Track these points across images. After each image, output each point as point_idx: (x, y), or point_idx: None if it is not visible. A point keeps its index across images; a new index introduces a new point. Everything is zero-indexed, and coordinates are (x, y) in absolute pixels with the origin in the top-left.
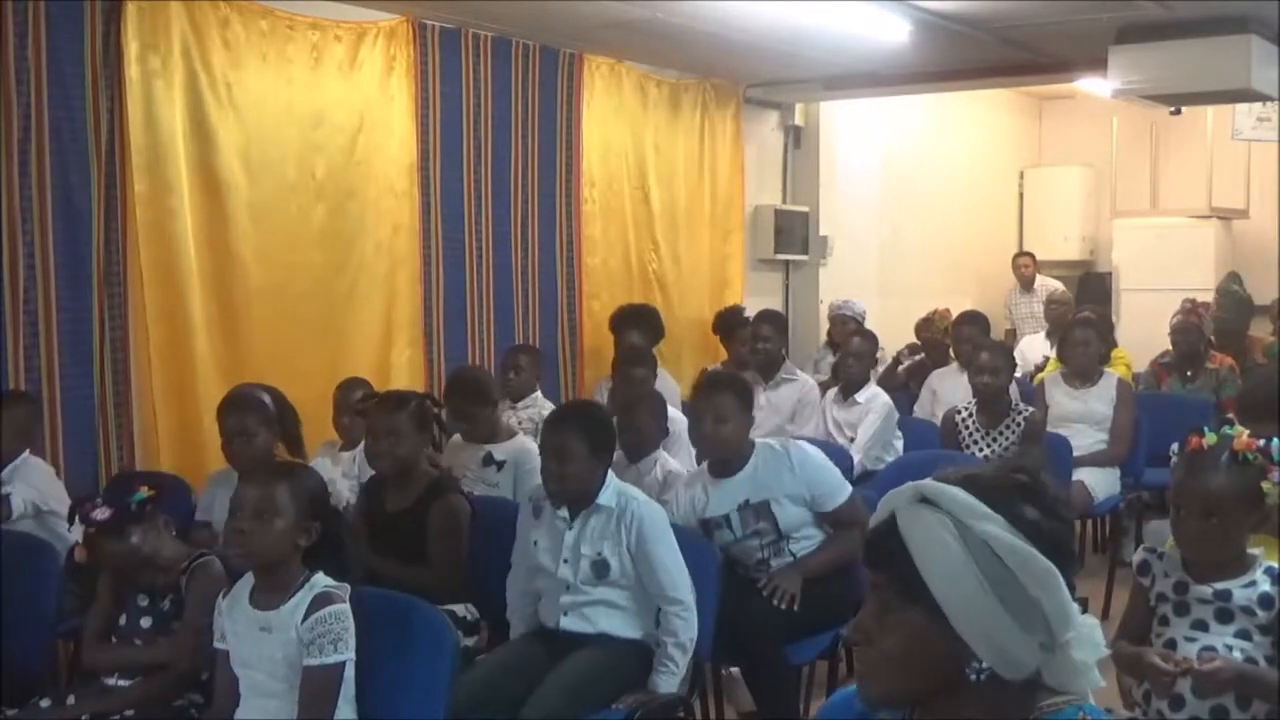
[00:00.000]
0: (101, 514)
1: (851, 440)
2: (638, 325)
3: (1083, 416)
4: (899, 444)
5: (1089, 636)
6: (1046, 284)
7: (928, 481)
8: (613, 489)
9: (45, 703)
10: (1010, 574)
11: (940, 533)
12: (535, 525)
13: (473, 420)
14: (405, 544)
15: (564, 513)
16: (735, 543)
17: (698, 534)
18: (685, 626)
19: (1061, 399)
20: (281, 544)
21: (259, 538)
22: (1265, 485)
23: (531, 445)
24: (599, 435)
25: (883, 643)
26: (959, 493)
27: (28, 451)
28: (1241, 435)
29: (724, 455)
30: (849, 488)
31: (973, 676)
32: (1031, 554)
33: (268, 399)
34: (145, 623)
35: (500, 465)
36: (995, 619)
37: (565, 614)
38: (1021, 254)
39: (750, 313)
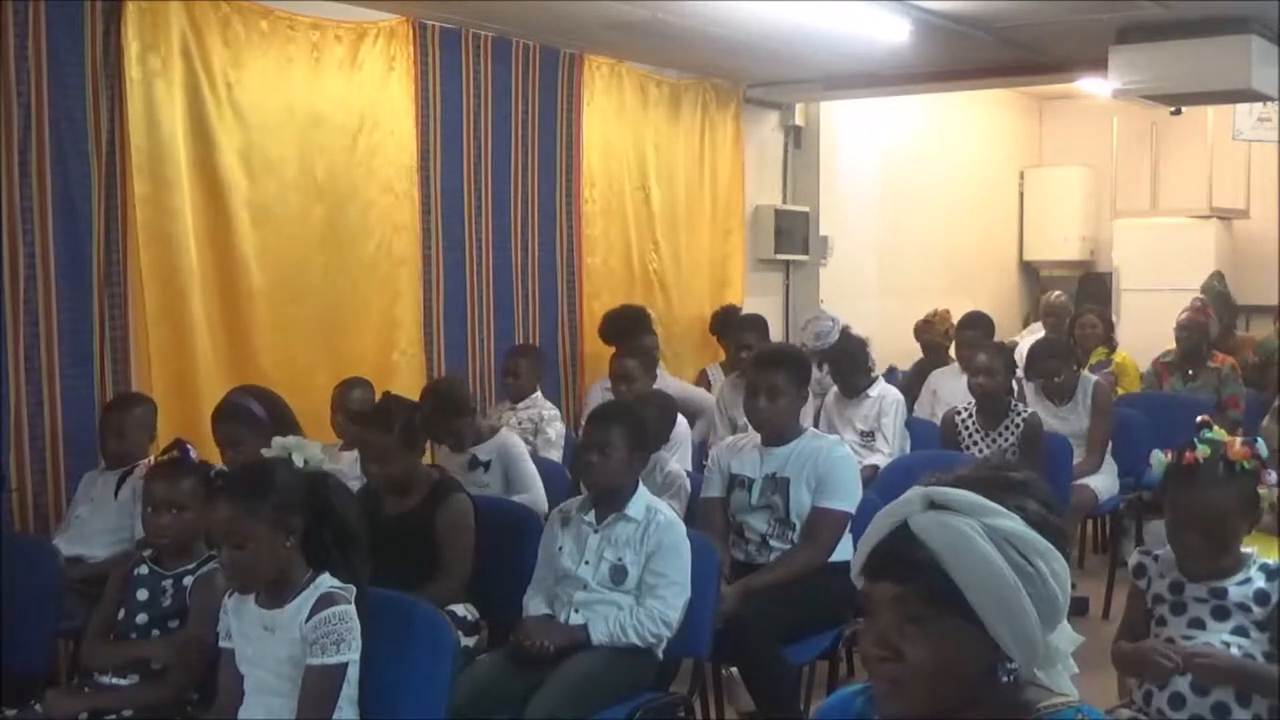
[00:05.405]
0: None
1: (863, 433)
2: (627, 342)
3: (1068, 435)
4: (907, 444)
5: (1063, 626)
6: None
7: (933, 488)
8: (643, 502)
9: (38, 708)
10: (1035, 570)
11: (970, 536)
12: (562, 533)
13: (456, 432)
14: (411, 548)
15: (590, 517)
16: (748, 509)
17: (701, 538)
18: (651, 628)
19: (1046, 418)
20: (267, 558)
21: (243, 563)
22: (1262, 490)
23: (514, 437)
24: (639, 434)
25: (913, 655)
26: (970, 494)
27: (152, 457)
28: (1234, 444)
29: (774, 429)
30: (850, 505)
31: (1004, 678)
32: (1049, 547)
33: (256, 406)
34: (141, 619)
35: (486, 465)
36: (1028, 617)
37: (576, 610)
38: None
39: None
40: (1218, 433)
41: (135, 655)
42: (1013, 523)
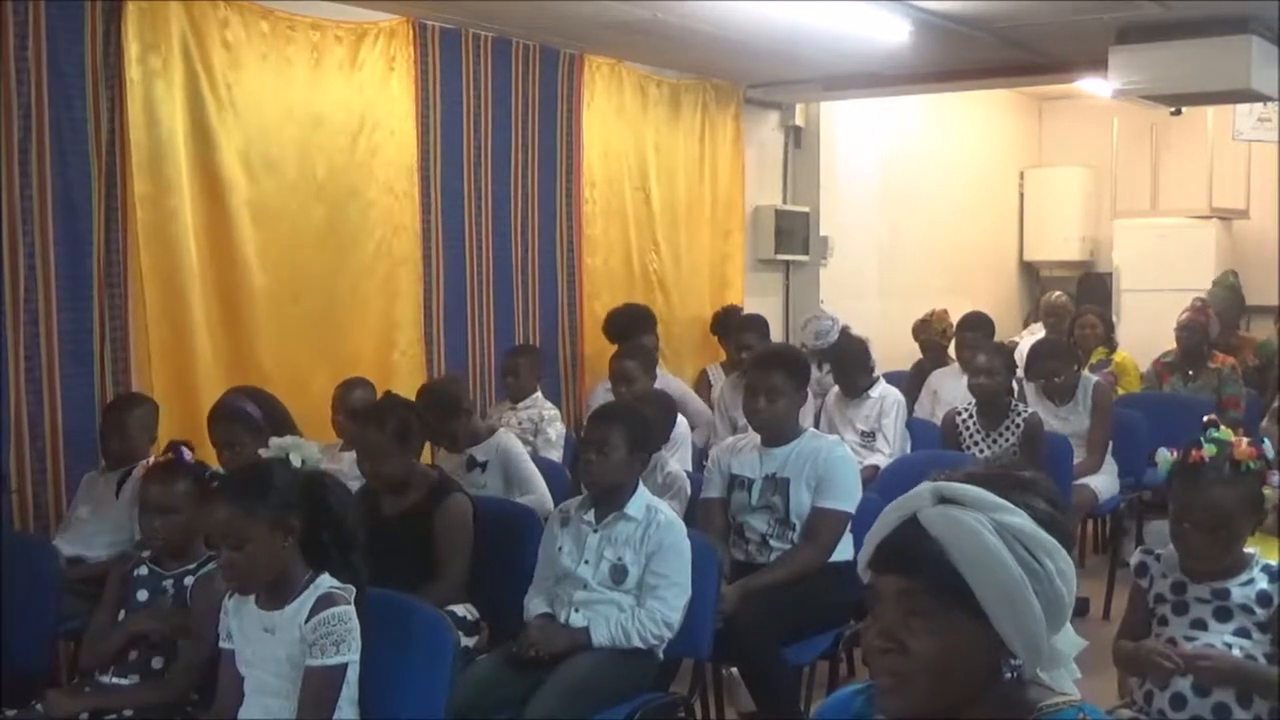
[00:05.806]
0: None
1: (863, 433)
2: (629, 340)
3: (1068, 435)
4: (908, 445)
5: (1067, 630)
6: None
7: (943, 483)
8: (642, 501)
9: (38, 708)
10: (1042, 568)
11: (979, 530)
12: (562, 533)
13: (450, 433)
14: (410, 548)
15: (589, 516)
16: (748, 509)
17: (701, 538)
18: (652, 629)
19: (1046, 418)
20: (266, 559)
21: (241, 564)
22: (1266, 491)
23: (512, 438)
24: (639, 435)
25: (917, 648)
26: (980, 490)
27: (153, 457)
28: (1240, 444)
29: (774, 430)
30: (850, 506)
31: (1008, 675)
32: (1056, 545)
33: (252, 407)
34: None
35: (484, 466)
36: (1033, 614)
37: (576, 610)
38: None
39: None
40: (1224, 432)
41: (133, 633)
42: (1021, 520)
